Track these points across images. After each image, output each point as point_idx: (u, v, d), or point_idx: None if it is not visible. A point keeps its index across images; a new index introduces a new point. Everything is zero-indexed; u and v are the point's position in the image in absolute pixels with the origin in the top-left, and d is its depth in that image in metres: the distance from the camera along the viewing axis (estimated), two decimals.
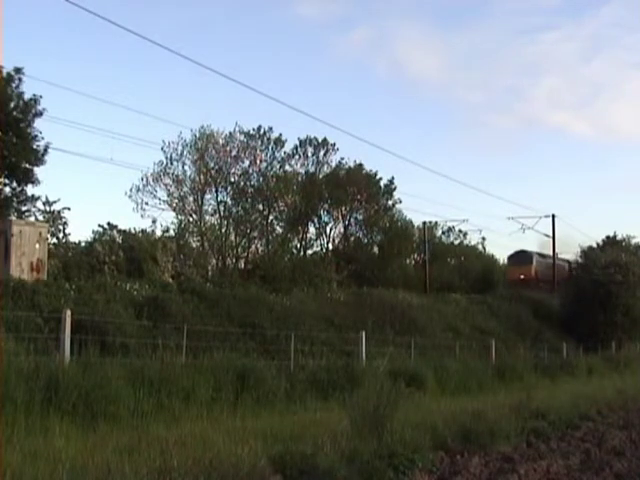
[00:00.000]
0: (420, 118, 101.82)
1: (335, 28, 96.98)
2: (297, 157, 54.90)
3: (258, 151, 50.67)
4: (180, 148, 47.68)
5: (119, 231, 26.86)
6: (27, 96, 33.37)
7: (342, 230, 49.82)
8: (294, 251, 45.69)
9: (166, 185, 41.81)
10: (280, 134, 51.49)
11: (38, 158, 25.21)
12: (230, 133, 49.04)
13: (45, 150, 25.83)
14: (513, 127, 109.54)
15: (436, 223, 62.94)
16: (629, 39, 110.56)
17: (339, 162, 56.52)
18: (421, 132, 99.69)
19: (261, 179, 50.24)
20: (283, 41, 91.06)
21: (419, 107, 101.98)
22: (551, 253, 50.33)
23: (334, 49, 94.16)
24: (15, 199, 24.71)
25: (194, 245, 35.71)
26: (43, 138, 34.10)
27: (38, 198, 25.61)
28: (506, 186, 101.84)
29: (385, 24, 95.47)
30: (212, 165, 48.51)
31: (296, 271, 32.67)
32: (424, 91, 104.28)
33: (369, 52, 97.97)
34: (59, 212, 26.27)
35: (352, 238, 49.34)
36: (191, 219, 41.58)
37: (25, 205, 25.19)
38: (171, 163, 47.69)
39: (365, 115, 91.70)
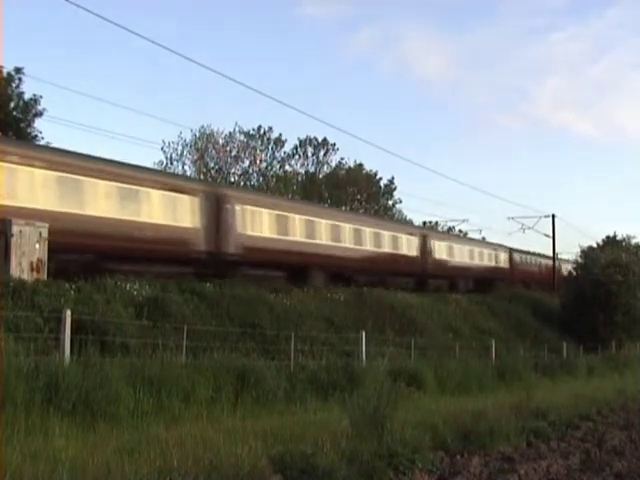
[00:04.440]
0: (422, 118, 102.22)
1: (340, 28, 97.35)
2: (297, 157, 55.16)
3: (258, 151, 50.85)
4: (180, 148, 47.90)
5: None
6: (27, 96, 33.58)
7: None
8: None
9: None
10: (280, 134, 51.74)
11: None
12: (230, 133, 49.25)
13: None
14: (517, 127, 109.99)
15: (436, 223, 63.21)
16: (634, 40, 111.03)
17: (339, 162, 56.78)
18: (423, 132, 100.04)
19: (261, 179, 50.37)
20: (286, 41, 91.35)
21: (422, 107, 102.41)
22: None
23: (338, 49, 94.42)
24: None
25: None
26: (43, 138, 34.30)
27: None
28: (506, 186, 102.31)
29: (391, 25, 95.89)
30: (212, 165, 48.64)
31: None
32: (428, 91, 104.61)
33: (374, 52, 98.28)
34: None
35: None
36: None
37: None
38: (171, 163, 47.91)
39: (367, 115, 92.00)
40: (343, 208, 51.02)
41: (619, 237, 60.37)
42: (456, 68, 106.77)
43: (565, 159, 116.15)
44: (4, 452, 6.81)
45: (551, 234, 48.34)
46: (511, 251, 49.05)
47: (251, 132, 50.83)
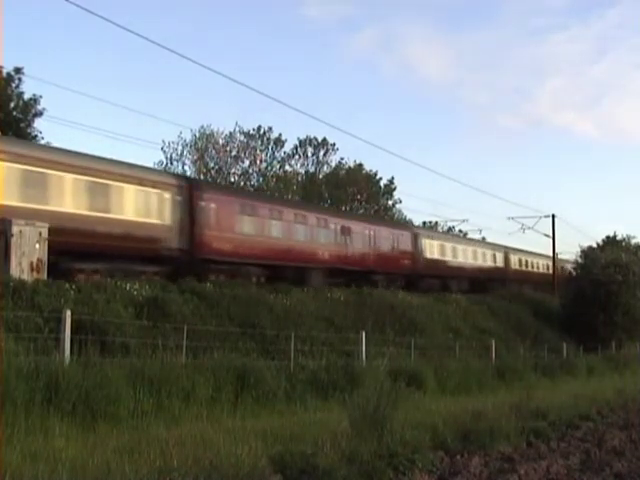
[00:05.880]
0: (423, 118, 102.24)
1: (341, 29, 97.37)
2: (297, 157, 55.13)
3: (258, 151, 50.81)
4: (180, 148, 47.86)
5: None
6: (27, 96, 33.58)
7: None
8: None
9: None
10: (280, 134, 51.71)
11: None
12: (230, 133, 49.21)
13: None
14: (518, 127, 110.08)
15: (436, 223, 63.14)
16: (635, 40, 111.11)
17: (339, 162, 56.76)
18: (423, 132, 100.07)
19: (261, 179, 50.34)
20: (287, 41, 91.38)
21: (422, 107, 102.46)
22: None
23: (340, 50, 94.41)
24: None
25: None
26: (43, 138, 34.30)
27: None
28: (506, 186, 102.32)
29: (392, 25, 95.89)
30: (212, 165, 48.60)
31: None
32: (428, 91, 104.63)
33: (375, 53, 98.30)
34: None
35: None
36: None
37: None
38: (171, 163, 47.86)
39: (368, 115, 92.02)
40: (343, 208, 50.99)
41: (619, 237, 60.50)
42: (457, 68, 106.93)
43: (565, 159, 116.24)
44: (4, 452, 6.81)
45: (551, 234, 48.28)
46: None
47: (251, 132, 50.81)
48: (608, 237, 58.81)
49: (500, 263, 46.83)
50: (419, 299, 28.72)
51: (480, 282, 41.28)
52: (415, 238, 36.72)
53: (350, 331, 19.60)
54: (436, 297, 31.06)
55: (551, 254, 51.56)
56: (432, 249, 38.17)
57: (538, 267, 53.80)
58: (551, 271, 52.50)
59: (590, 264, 38.39)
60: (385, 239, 33.98)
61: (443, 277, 38.34)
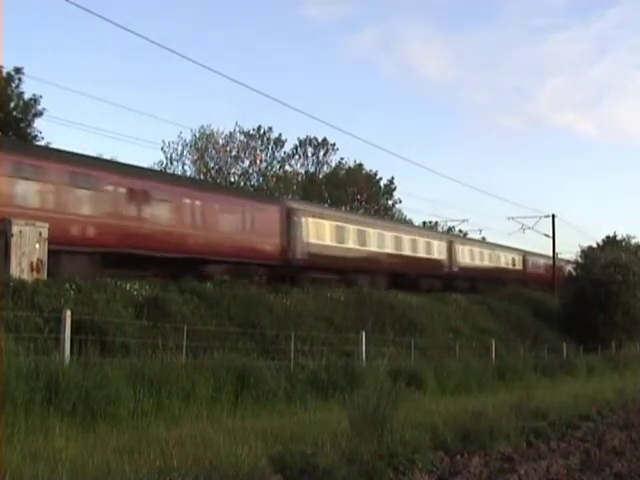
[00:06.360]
0: (423, 118, 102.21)
1: (342, 29, 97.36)
2: (297, 157, 55.13)
3: (258, 151, 50.79)
4: (180, 148, 47.85)
5: None
6: (27, 96, 33.59)
7: None
8: None
9: None
10: (280, 134, 51.70)
11: None
12: (230, 133, 49.20)
13: None
14: (518, 127, 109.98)
15: (436, 223, 63.09)
16: (635, 40, 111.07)
17: (339, 162, 56.76)
18: (423, 132, 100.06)
19: (261, 179, 50.33)
20: (288, 41, 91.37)
21: (422, 107, 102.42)
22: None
23: (340, 50, 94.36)
24: None
25: None
26: (43, 138, 34.32)
27: None
28: (506, 186, 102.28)
29: (392, 25, 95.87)
30: (212, 165, 48.58)
31: None
32: (430, 92, 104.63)
33: (375, 53, 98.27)
34: None
35: None
36: None
37: None
38: (171, 163, 47.85)
39: (368, 115, 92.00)
40: (343, 208, 50.95)
41: (619, 237, 60.52)
42: (457, 68, 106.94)
43: (565, 159, 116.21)
44: (4, 452, 6.81)
45: (551, 234, 48.26)
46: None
47: (251, 132, 50.82)
48: (608, 237, 58.84)
49: (440, 255, 37.48)
50: (419, 299, 28.72)
51: (411, 278, 33.42)
52: (288, 215, 26.46)
53: (350, 331, 19.59)
54: (436, 297, 31.07)
55: (535, 250, 51.22)
56: (321, 232, 28.16)
57: (504, 263, 46.68)
58: (522, 267, 49.95)
59: (590, 264, 38.37)
60: (227, 214, 23.87)
61: (342, 271, 28.88)
